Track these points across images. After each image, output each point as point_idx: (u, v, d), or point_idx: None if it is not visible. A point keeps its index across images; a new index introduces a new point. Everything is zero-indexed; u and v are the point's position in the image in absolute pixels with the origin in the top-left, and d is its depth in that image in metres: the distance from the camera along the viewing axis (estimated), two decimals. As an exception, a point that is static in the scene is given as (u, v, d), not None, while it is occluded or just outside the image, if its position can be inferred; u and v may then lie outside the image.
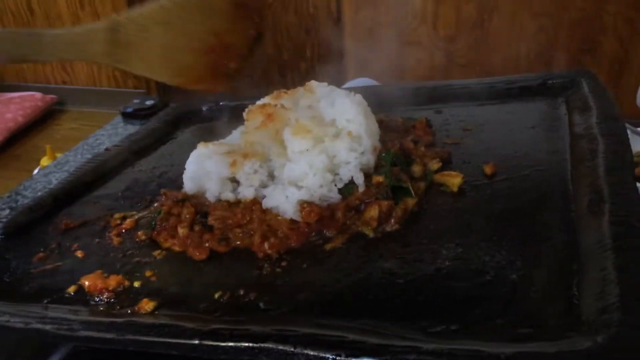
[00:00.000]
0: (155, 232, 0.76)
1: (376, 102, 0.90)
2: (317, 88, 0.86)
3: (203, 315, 0.62)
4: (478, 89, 0.98)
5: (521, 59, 2.70)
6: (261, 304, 0.62)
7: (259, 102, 0.87)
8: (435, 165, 0.80)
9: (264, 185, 0.77)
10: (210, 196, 0.78)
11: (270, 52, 3.05)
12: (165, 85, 0.78)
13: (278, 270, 0.67)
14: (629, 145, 0.71)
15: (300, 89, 0.88)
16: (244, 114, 0.85)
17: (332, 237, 0.71)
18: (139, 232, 0.79)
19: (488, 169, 0.76)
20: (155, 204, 0.83)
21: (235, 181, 0.78)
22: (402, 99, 0.99)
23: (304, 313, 0.60)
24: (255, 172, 0.76)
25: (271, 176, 0.78)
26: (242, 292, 0.64)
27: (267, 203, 0.75)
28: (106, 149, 1.05)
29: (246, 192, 0.76)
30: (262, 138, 0.80)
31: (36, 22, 3.59)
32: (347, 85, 1.28)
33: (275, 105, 0.83)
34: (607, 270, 0.53)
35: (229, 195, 0.77)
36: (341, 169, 0.76)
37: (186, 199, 0.78)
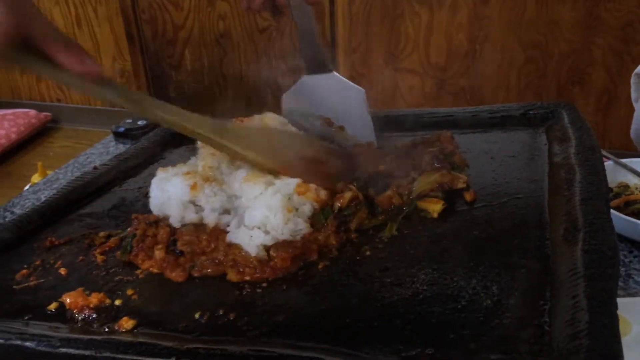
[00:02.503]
0: (133, 255, 0.76)
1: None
2: (271, 122, 0.88)
3: (181, 335, 0.62)
4: (462, 117, 1.00)
5: (511, 88, 2.74)
6: (240, 325, 0.62)
7: None
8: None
9: (225, 209, 0.77)
10: (174, 221, 0.78)
11: (265, 75, 3.08)
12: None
13: (258, 291, 0.68)
14: (604, 176, 0.73)
15: (256, 116, 0.91)
16: (198, 142, 0.87)
17: (312, 261, 0.72)
18: (118, 252, 0.79)
19: (468, 196, 0.78)
20: (129, 229, 0.82)
21: (197, 204, 0.78)
22: (387, 127, 1.01)
23: (282, 335, 0.60)
24: (215, 194, 0.77)
25: (230, 200, 0.79)
26: (221, 312, 0.65)
27: (231, 238, 0.74)
28: (94, 168, 1.06)
29: (209, 216, 0.77)
30: (218, 163, 0.82)
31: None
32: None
33: None
34: (578, 298, 0.54)
35: (192, 217, 0.77)
36: (301, 207, 0.76)
37: (158, 220, 0.78)
